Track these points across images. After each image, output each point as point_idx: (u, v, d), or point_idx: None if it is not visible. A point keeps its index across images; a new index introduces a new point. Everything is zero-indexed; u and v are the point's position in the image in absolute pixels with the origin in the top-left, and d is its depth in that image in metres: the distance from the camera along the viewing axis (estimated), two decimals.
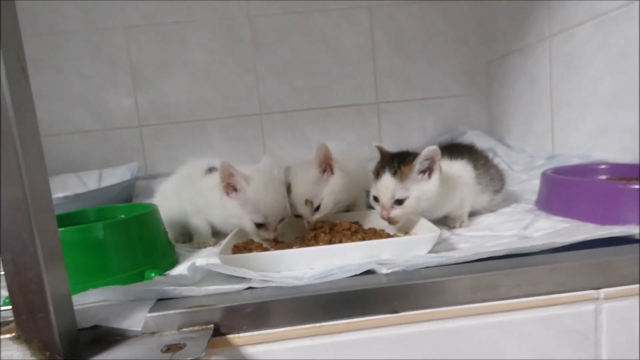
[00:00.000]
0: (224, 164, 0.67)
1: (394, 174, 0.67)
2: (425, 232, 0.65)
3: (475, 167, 0.79)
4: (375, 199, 0.71)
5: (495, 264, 0.51)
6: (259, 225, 0.69)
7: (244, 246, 0.69)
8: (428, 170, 0.68)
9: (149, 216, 0.69)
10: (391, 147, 1.61)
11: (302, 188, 0.73)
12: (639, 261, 0.48)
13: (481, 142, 1.48)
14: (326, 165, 0.76)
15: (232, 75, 1.53)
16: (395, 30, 1.55)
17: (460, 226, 0.77)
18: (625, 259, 0.49)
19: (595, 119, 1.07)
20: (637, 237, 0.53)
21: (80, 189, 1.34)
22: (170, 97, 1.53)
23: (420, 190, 0.67)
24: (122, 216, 0.75)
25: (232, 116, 1.55)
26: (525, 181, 1.09)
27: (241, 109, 1.55)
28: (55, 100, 1.49)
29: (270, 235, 0.70)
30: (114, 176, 1.41)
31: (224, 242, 0.65)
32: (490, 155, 0.90)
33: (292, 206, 0.74)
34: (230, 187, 0.69)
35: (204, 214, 0.78)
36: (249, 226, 0.70)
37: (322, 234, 0.64)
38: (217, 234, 0.82)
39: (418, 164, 0.66)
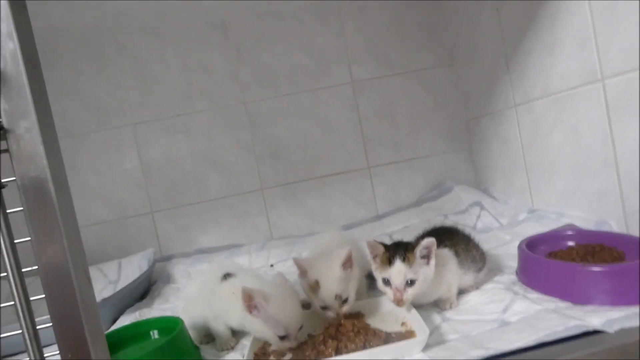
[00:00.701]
0: (244, 289, 0.76)
1: (404, 260, 0.79)
2: (417, 328, 0.75)
3: (457, 253, 0.90)
4: (386, 283, 0.81)
5: None
6: (282, 337, 0.78)
7: (262, 353, 0.79)
8: (427, 258, 0.81)
9: (180, 336, 0.79)
10: (385, 207, 1.74)
11: (333, 285, 0.82)
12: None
13: (468, 195, 1.61)
14: (348, 263, 0.86)
15: (233, 157, 1.67)
16: (379, 101, 1.70)
17: (451, 307, 0.87)
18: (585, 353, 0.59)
19: (563, 182, 1.19)
20: (591, 330, 0.63)
21: (103, 285, 1.45)
22: (178, 182, 1.66)
23: (424, 274, 0.80)
24: (153, 334, 0.85)
25: (236, 194, 1.68)
26: (508, 243, 1.20)
27: (243, 186, 1.68)
28: (74, 196, 1.62)
29: (292, 344, 0.78)
30: (132, 264, 1.52)
31: (245, 357, 0.75)
32: (472, 235, 1.01)
33: (321, 300, 0.83)
34: (252, 307, 0.78)
35: (222, 319, 0.88)
36: (273, 339, 0.78)
37: (330, 340, 0.75)
38: (236, 334, 0.92)
39: (419, 251, 0.78)
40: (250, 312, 0.78)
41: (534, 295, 0.83)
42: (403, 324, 0.82)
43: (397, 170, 1.72)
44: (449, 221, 1.37)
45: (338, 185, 1.70)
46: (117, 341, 0.84)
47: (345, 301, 0.84)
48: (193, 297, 0.95)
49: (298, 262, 0.87)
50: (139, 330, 0.87)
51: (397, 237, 1.20)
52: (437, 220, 1.40)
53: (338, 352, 0.72)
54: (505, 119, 1.41)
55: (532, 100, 1.24)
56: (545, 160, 1.24)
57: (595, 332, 0.63)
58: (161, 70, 1.65)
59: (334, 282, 0.83)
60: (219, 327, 0.89)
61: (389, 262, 0.80)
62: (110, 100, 1.63)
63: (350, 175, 1.71)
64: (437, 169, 1.73)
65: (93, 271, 1.51)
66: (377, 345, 0.72)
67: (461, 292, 0.91)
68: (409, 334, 0.75)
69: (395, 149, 1.72)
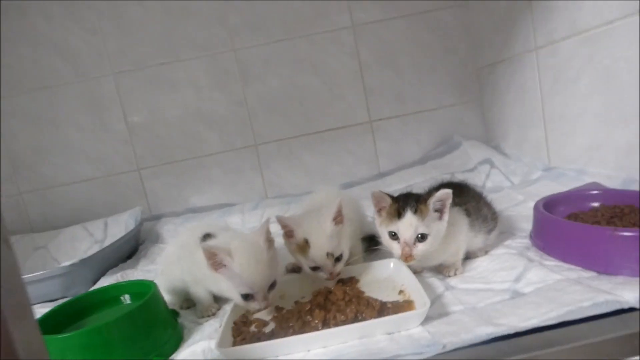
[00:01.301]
0: (205, 247, 0.69)
1: (415, 211, 0.70)
2: (416, 297, 0.66)
3: (468, 212, 0.79)
4: (393, 237, 0.73)
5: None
6: (247, 297, 0.70)
7: (242, 322, 0.71)
8: (440, 212, 0.72)
9: (152, 301, 0.71)
10: (389, 164, 1.63)
11: (323, 242, 0.75)
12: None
13: (477, 152, 1.48)
14: (339, 217, 0.78)
15: (223, 110, 1.54)
16: (381, 48, 1.54)
17: (455, 274, 0.78)
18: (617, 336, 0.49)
19: (587, 134, 1.06)
20: (625, 307, 0.53)
21: (88, 245, 1.38)
22: (165, 137, 1.55)
23: (437, 229, 0.71)
24: (124, 298, 0.78)
25: (228, 150, 1.57)
26: (521, 203, 1.09)
27: (236, 142, 1.56)
28: (55, 153, 1.53)
29: (260, 305, 0.71)
30: (119, 223, 1.44)
31: (221, 327, 0.67)
32: (483, 192, 0.90)
33: (312, 260, 0.75)
34: (217, 264, 0.70)
35: (202, 284, 0.80)
36: (238, 299, 0.71)
37: (317, 310, 0.66)
38: (218, 300, 0.85)
39: (432, 203, 0.70)
40: (216, 270, 0.70)
41: (552, 262, 0.73)
42: (401, 292, 0.73)
43: (401, 125, 1.59)
44: (457, 179, 1.25)
45: (337, 141, 1.58)
46: (87, 306, 0.77)
47: (338, 259, 0.77)
48: (172, 260, 0.87)
49: (283, 221, 0.78)
50: (110, 295, 0.79)
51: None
52: (444, 179, 1.28)
53: (325, 323, 0.64)
54: (523, 65, 1.26)
55: (557, 41, 1.09)
56: (568, 111, 1.11)
57: (628, 310, 0.53)
58: (140, 14, 1.48)
59: (325, 238, 0.75)
60: (199, 292, 0.82)
61: (398, 214, 0.72)
62: (87, 48, 1.49)
63: (351, 130, 1.58)
64: (444, 123, 1.60)
65: (78, 230, 1.45)
66: (370, 316, 0.64)
67: (468, 256, 0.82)
68: (407, 305, 0.67)
69: (399, 101, 1.58)
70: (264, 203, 1.50)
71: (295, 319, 0.67)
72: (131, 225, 1.40)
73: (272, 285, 0.73)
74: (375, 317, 0.63)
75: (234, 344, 0.64)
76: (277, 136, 1.57)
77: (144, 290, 0.76)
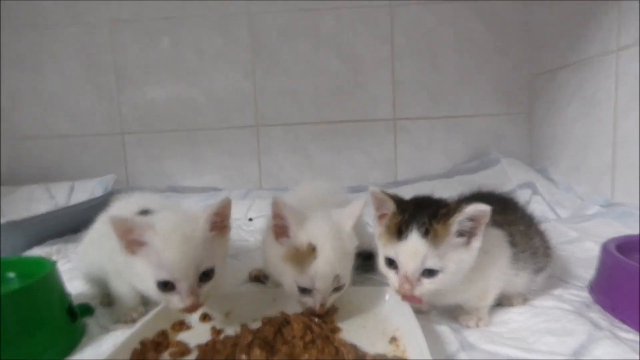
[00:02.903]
0: (115, 219, 0.48)
1: (426, 232, 0.47)
2: (414, 353, 0.42)
3: (513, 239, 0.54)
4: (390, 264, 0.50)
5: None
6: (166, 286, 0.49)
7: (155, 342, 0.48)
8: (468, 234, 0.47)
9: (35, 289, 0.50)
10: (408, 172, 1.38)
11: (337, 258, 0.52)
12: None
13: (518, 173, 1.23)
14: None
15: (227, 80, 1.34)
16: (420, 34, 1.31)
17: (477, 325, 0.53)
18: None
19: None
20: None
21: (47, 207, 1.19)
22: (157, 102, 1.35)
23: (459, 260, 0.48)
24: (9, 276, 0.56)
25: (225, 127, 1.36)
26: (575, 241, 0.83)
27: (236, 119, 1.35)
28: (31, 101, 1.35)
29: (184, 302, 0.49)
30: (86, 189, 1.25)
31: (116, 346, 0.44)
32: (535, 217, 0.65)
33: (310, 278, 0.51)
34: (133, 244, 0.49)
35: (126, 276, 0.58)
36: (153, 290, 0.50)
37: (258, 349, 0.43)
38: (148, 303, 0.62)
39: (457, 222, 0.46)
40: (131, 252, 0.50)
41: (630, 334, 0.48)
42: (393, 340, 0.49)
43: (430, 129, 1.34)
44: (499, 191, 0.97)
45: (352, 136, 1.35)
46: None
47: (338, 288, 0.54)
48: (93, 239, 0.65)
49: (280, 209, 0.53)
50: None
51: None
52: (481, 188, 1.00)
53: None
54: (597, 71, 1.00)
55: None
56: None
57: None
58: None
59: (341, 253, 0.53)
60: (121, 287, 0.60)
61: (399, 232, 0.48)
62: None
63: (370, 125, 1.35)
64: (481, 134, 1.35)
65: (39, 190, 1.26)
66: None
67: (499, 302, 0.57)
68: None
69: (431, 101, 1.34)
70: (254, 193, 1.28)
71: (224, 355, 0.44)
72: (99, 193, 1.21)
73: (207, 275, 0.51)
74: None
75: None
76: (283, 119, 1.35)
77: (38, 271, 0.54)
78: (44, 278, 0.52)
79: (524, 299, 0.59)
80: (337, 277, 0.52)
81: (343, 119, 1.35)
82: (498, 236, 0.53)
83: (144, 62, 1.33)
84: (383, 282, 0.65)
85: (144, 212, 0.61)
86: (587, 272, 0.66)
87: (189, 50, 1.33)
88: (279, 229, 0.54)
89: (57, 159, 1.36)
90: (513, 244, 0.54)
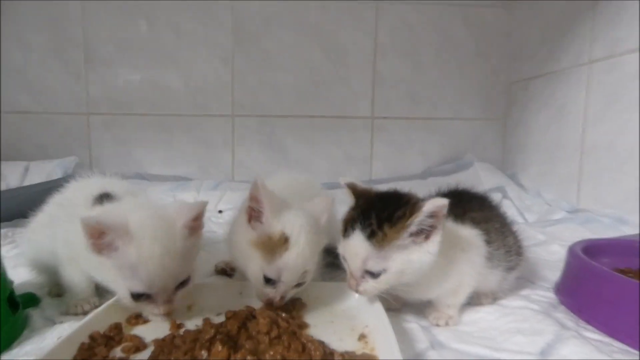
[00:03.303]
0: (87, 220, 0.44)
1: (370, 235, 0.45)
2: (384, 352, 0.41)
3: (488, 236, 0.54)
4: (344, 259, 0.49)
5: None
6: (140, 297, 0.47)
7: (106, 337, 0.45)
8: (425, 232, 0.45)
9: None
10: (383, 171, 1.38)
11: (309, 253, 0.50)
12: None
13: (490, 177, 1.25)
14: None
15: (205, 65, 1.29)
16: (404, 34, 1.30)
17: (447, 324, 0.53)
18: None
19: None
20: None
21: None
22: (128, 83, 1.29)
23: (407, 261, 0.46)
24: None
25: (200, 114, 1.31)
26: (542, 244, 0.84)
27: (211, 107, 1.31)
28: None
29: (160, 309, 0.48)
30: (43, 171, 1.18)
31: (60, 339, 0.41)
32: (508, 216, 0.65)
33: (277, 270, 0.49)
34: (103, 246, 0.46)
35: (81, 264, 0.54)
36: (126, 298, 0.48)
37: (220, 344, 0.40)
38: (102, 292, 0.58)
39: (415, 224, 0.44)
40: (99, 251, 0.46)
41: (595, 335, 0.48)
42: (362, 337, 0.47)
43: (408, 129, 1.34)
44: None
45: (330, 132, 1.34)
46: None
47: (301, 284, 0.52)
48: (43, 222, 0.61)
49: (259, 192, 0.50)
50: None
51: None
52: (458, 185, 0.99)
53: None
54: (569, 82, 1.03)
55: (620, 54, 0.85)
56: (620, 140, 0.87)
57: None
58: None
59: (314, 247, 0.51)
60: (73, 275, 0.56)
61: (345, 230, 0.48)
62: None
63: (348, 122, 1.33)
64: (458, 137, 1.36)
65: None
66: None
67: (468, 301, 0.56)
68: None
69: (411, 101, 1.34)
70: (226, 185, 1.24)
71: (183, 351, 0.41)
72: (58, 175, 1.14)
73: (183, 283, 0.50)
74: None
75: None
76: (259, 110, 1.31)
77: None
78: None
79: (494, 298, 0.59)
80: (305, 272, 0.51)
81: (321, 113, 1.33)
82: (474, 234, 0.53)
83: (117, 41, 1.27)
84: None
85: (104, 196, 0.57)
86: (553, 273, 0.67)
87: (165, 32, 1.27)
88: (254, 212, 0.51)
89: (15, 136, 1.28)
90: (488, 241, 0.53)
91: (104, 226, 0.44)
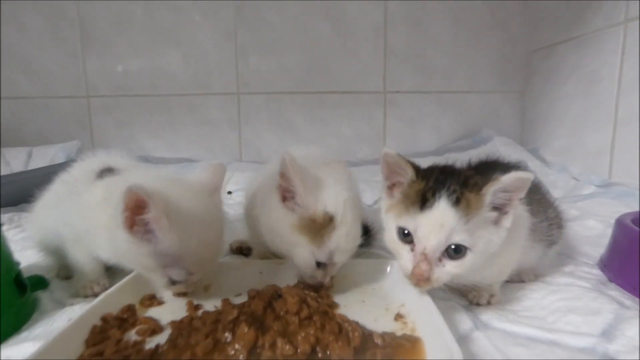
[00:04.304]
0: (132, 189, 0.38)
1: (457, 202, 0.39)
2: (430, 331, 0.36)
3: (531, 208, 0.49)
4: (404, 237, 0.42)
5: None
6: (174, 282, 0.44)
7: (119, 319, 0.40)
8: (500, 210, 0.40)
9: None
10: (396, 148, 1.32)
11: (357, 232, 0.47)
12: None
13: (510, 153, 1.18)
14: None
15: (207, 41, 1.23)
16: (416, 2, 1.23)
17: (488, 302, 0.48)
18: None
19: None
20: None
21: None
22: (128, 63, 1.23)
23: (487, 241, 0.40)
24: None
25: (203, 93, 1.25)
26: (577, 219, 0.79)
27: (215, 84, 1.25)
28: None
29: (187, 287, 0.46)
30: (46, 156, 1.13)
31: (70, 321, 0.36)
32: (545, 186, 0.60)
33: (325, 252, 0.45)
34: (135, 222, 0.40)
35: (86, 244, 0.49)
36: (159, 283, 0.44)
37: (245, 325, 0.35)
38: (112, 273, 0.54)
39: (491, 193, 0.39)
40: (131, 229, 0.40)
41: None
42: (400, 317, 0.42)
43: (421, 103, 1.28)
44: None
45: (340, 108, 1.28)
46: None
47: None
48: (49, 201, 0.56)
49: (290, 169, 0.44)
50: None
51: None
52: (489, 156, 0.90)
53: (254, 354, 0.33)
54: (601, 45, 0.96)
55: None
56: None
57: None
58: None
59: (359, 220, 0.47)
60: (80, 256, 0.52)
61: (423, 201, 0.40)
62: None
63: (359, 98, 1.27)
64: (474, 111, 1.30)
65: None
66: (341, 355, 0.33)
67: (509, 279, 0.51)
68: (410, 344, 0.36)
69: (424, 74, 1.27)
70: (234, 165, 1.19)
71: (203, 333, 0.36)
72: (60, 160, 1.09)
73: None
74: (350, 359, 0.33)
75: None
76: (266, 87, 1.26)
77: None
78: None
79: (535, 274, 0.54)
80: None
81: (331, 89, 1.27)
82: (521, 209, 0.47)
83: (113, 18, 1.20)
84: (381, 256, 0.59)
85: (107, 170, 0.52)
86: (594, 249, 0.63)
87: (163, 7, 1.20)
88: (286, 192, 0.46)
89: (15, 121, 1.23)
90: (532, 213, 0.48)
91: (150, 198, 0.38)
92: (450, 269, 0.40)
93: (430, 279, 0.39)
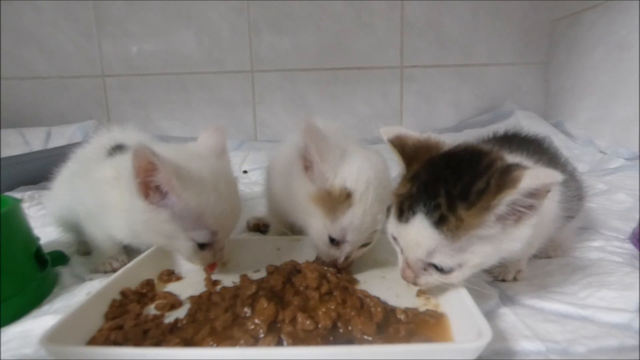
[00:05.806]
0: (139, 149, 0.37)
1: (439, 222, 0.33)
2: (455, 309, 0.35)
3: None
4: (395, 240, 0.39)
5: None
6: (202, 245, 0.44)
7: (138, 293, 0.40)
8: (517, 214, 0.33)
9: None
10: (414, 124, 1.29)
11: (381, 210, 0.43)
12: None
13: (534, 126, 1.14)
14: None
15: (220, 19, 1.20)
16: None
17: (515, 278, 0.46)
18: None
19: None
20: None
21: (20, 150, 1.08)
22: (142, 42, 1.22)
23: (490, 252, 0.35)
24: None
25: (217, 71, 1.24)
26: (604, 193, 0.76)
27: (229, 63, 1.23)
28: (2, 35, 1.20)
29: (215, 257, 0.45)
30: (64, 135, 1.15)
31: (89, 295, 0.36)
32: (567, 158, 0.57)
33: (343, 229, 0.43)
34: (150, 188, 0.40)
35: (100, 223, 0.49)
36: (186, 250, 0.44)
37: (265, 300, 0.35)
38: (131, 250, 0.54)
39: (504, 204, 0.32)
40: (147, 197, 0.40)
41: None
42: (422, 292, 0.41)
43: (440, 78, 1.24)
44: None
45: (356, 85, 1.25)
46: None
47: (368, 244, 0.46)
48: (65, 180, 0.56)
49: (310, 138, 0.42)
50: None
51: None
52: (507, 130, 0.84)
53: (274, 329, 0.33)
54: (630, 10, 0.90)
55: None
56: None
57: None
58: None
59: (383, 202, 0.43)
60: (96, 233, 0.51)
61: (401, 213, 0.35)
62: None
63: (375, 73, 1.24)
64: (494, 84, 1.25)
65: (12, 135, 1.15)
66: (364, 331, 0.32)
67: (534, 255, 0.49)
68: (434, 320, 0.35)
69: (442, 47, 1.23)
70: (249, 145, 1.19)
71: (222, 308, 0.36)
72: (77, 139, 1.10)
73: None
74: (372, 335, 0.32)
75: (99, 338, 0.33)
76: (280, 64, 1.23)
77: None
78: (5, 215, 0.43)
79: (562, 249, 0.52)
80: (374, 232, 0.44)
81: (346, 65, 1.24)
82: None
83: None
84: None
85: (118, 147, 0.52)
86: (625, 224, 0.60)
87: None
88: (307, 161, 0.44)
89: (33, 101, 1.24)
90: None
91: (156, 158, 0.37)
92: (437, 278, 0.36)
93: (418, 284, 0.37)
